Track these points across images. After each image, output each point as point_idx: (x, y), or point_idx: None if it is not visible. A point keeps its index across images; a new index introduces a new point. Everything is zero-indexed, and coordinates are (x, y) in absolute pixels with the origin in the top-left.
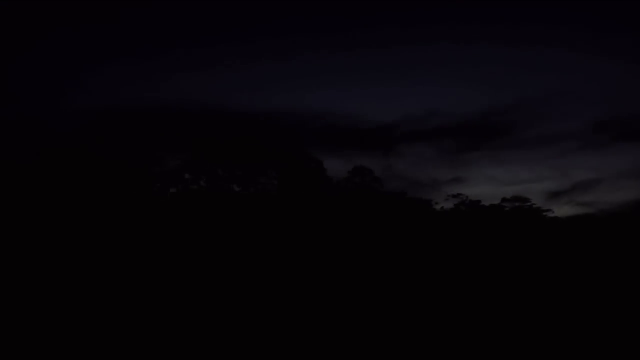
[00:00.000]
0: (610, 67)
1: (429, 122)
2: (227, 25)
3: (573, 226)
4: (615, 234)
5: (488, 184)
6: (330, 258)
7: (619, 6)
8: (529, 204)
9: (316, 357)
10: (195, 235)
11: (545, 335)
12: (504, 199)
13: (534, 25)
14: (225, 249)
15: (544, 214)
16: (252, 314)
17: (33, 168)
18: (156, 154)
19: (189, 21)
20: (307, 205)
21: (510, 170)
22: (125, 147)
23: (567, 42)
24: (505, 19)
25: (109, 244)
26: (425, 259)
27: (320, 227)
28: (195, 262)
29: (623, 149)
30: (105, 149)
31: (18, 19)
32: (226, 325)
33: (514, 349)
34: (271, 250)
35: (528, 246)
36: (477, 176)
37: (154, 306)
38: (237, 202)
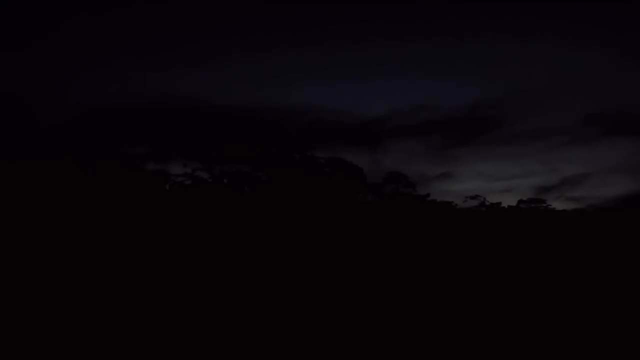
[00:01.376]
0: (601, 60)
1: (417, 117)
2: (212, 22)
3: (562, 221)
4: (604, 229)
5: (477, 179)
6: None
7: None
8: (544, 205)
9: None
10: (215, 237)
11: (547, 332)
12: (521, 201)
13: (522, 18)
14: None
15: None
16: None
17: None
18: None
19: (177, 18)
20: (350, 211)
21: (499, 165)
22: (114, 142)
23: (556, 35)
24: (493, 12)
25: (110, 242)
26: (460, 260)
27: (362, 234)
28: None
29: (613, 143)
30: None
31: (12, 15)
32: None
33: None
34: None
35: (534, 244)
36: (465, 171)
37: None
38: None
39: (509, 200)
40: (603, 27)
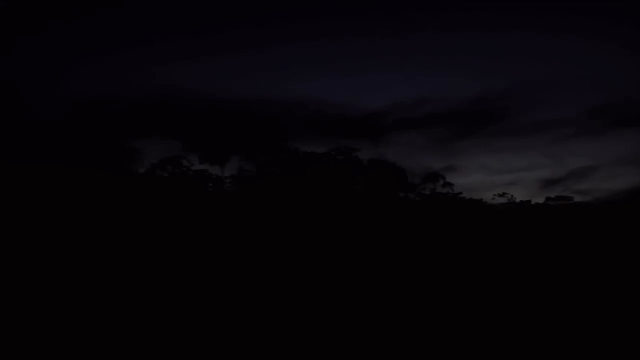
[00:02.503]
0: (605, 52)
1: (420, 109)
2: (215, 16)
3: (568, 215)
4: (612, 222)
5: (481, 172)
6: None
7: None
8: (571, 201)
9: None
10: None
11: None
12: (548, 198)
13: (527, 12)
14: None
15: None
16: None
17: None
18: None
19: (178, 11)
20: (393, 208)
21: (503, 158)
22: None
23: (561, 28)
24: (498, 6)
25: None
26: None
27: (398, 230)
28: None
29: (619, 135)
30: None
31: (10, 10)
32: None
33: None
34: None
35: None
36: (469, 164)
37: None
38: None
39: (514, 194)
40: (607, 20)
